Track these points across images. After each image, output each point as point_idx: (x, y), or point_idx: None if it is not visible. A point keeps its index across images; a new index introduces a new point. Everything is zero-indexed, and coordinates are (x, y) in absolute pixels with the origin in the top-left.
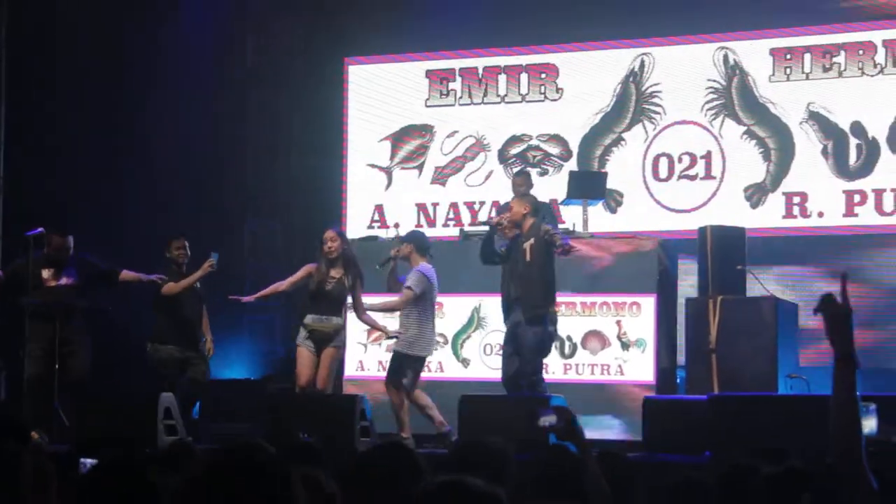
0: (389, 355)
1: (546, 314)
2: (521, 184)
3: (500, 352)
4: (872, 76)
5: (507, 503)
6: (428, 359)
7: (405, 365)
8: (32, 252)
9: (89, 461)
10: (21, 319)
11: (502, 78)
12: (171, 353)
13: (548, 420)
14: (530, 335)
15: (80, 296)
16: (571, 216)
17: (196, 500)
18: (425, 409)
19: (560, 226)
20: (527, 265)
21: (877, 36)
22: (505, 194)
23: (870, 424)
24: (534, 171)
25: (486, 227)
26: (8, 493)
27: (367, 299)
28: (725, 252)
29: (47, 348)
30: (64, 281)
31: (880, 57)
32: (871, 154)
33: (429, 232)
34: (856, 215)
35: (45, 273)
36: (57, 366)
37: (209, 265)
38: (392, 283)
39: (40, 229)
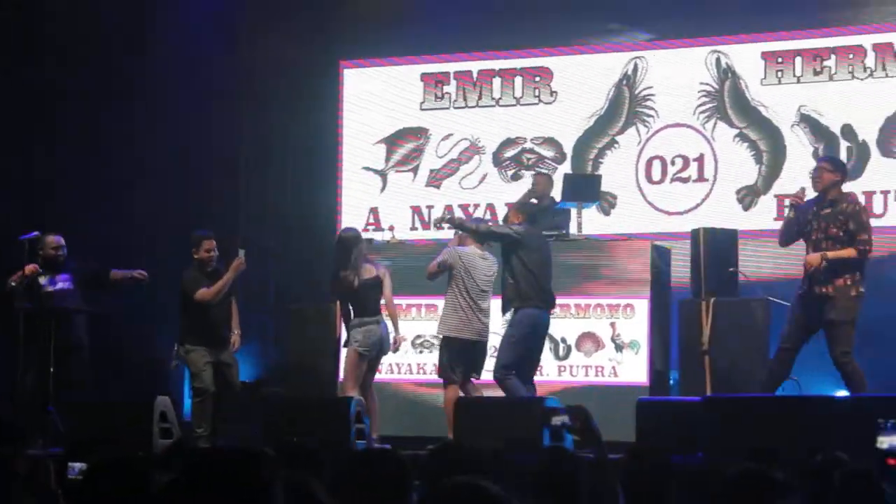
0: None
1: (524, 312)
2: (540, 182)
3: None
4: (862, 80)
5: None
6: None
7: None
8: (26, 256)
9: (78, 465)
10: (17, 324)
11: (497, 81)
12: (203, 356)
13: (561, 420)
14: (506, 331)
15: (79, 300)
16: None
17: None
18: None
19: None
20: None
21: (866, 40)
22: (499, 196)
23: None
24: (527, 174)
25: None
26: (2, 496)
27: None
28: (718, 254)
29: (43, 353)
30: (60, 286)
31: (870, 61)
32: (861, 156)
33: (423, 235)
34: None
35: (42, 279)
36: (52, 370)
37: (239, 263)
38: None
39: (36, 233)
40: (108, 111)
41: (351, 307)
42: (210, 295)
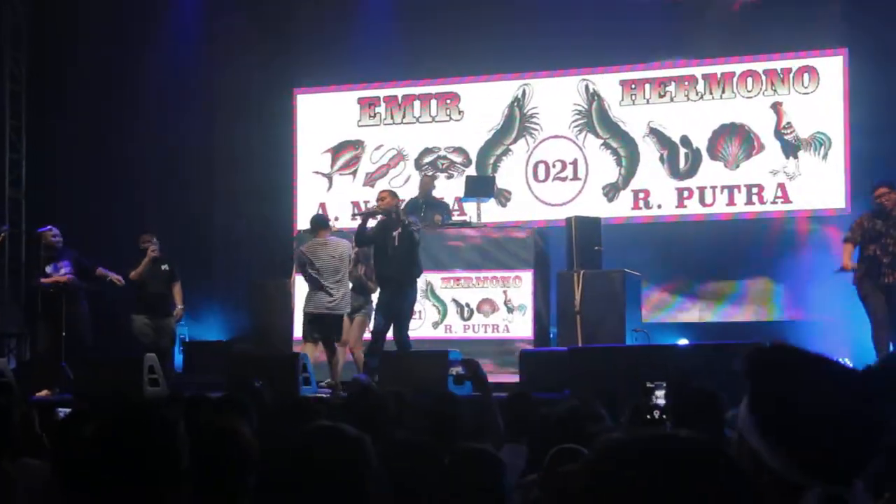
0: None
1: (413, 287)
2: (427, 183)
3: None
4: (695, 101)
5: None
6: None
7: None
8: (44, 246)
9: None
10: (35, 300)
11: (417, 103)
12: (143, 321)
13: (456, 369)
14: (406, 304)
15: (77, 281)
16: (470, 210)
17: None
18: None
19: (460, 217)
20: (395, 248)
21: (698, 71)
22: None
23: None
24: (442, 175)
25: (362, 216)
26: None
27: None
28: (586, 236)
29: (57, 322)
30: (63, 271)
31: (700, 87)
32: (695, 160)
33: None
34: (685, 207)
35: (49, 269)
36: (64, 334)
37: (151, 252)
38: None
39: (50, 227)
40: (107, 123)
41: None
42: (134, 275)
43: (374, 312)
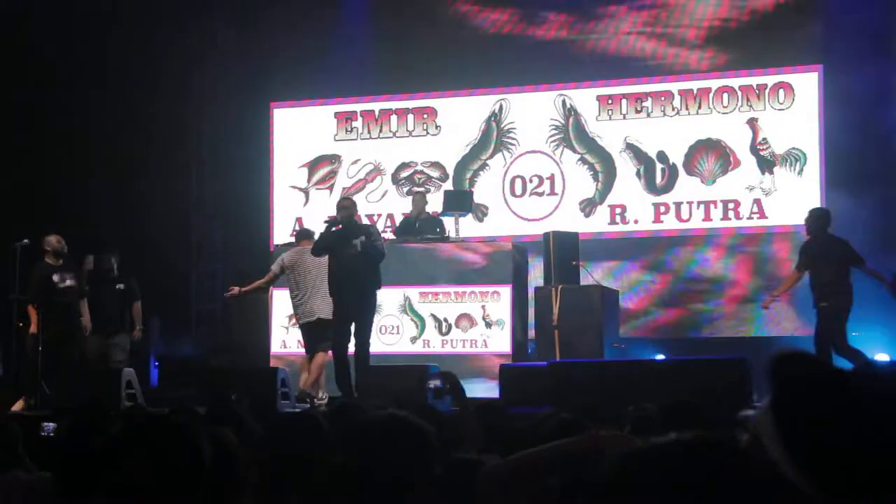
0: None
1: (374, 297)
2: (418, 200)
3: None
4: (672, 117)
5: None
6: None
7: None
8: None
9: (50, 425)
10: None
11: (394, 118)
12: (96, 341)
13: (434, 382)
14: (368, 312)
15: (81, 294)
16: (447, 225)
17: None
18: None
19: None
20: (357, 257)
21: (674, 87)
22: (397, 208)
23: None
24: (417, 190)
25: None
26: None
27: None
28: (564, 251)
29: (49, 337)
30: (68, 283)
31: (677, 102)
32: (672, 175)
33: None
34: (662, 222)
35: (55, 277)
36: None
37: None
38: None
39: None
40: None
41: None
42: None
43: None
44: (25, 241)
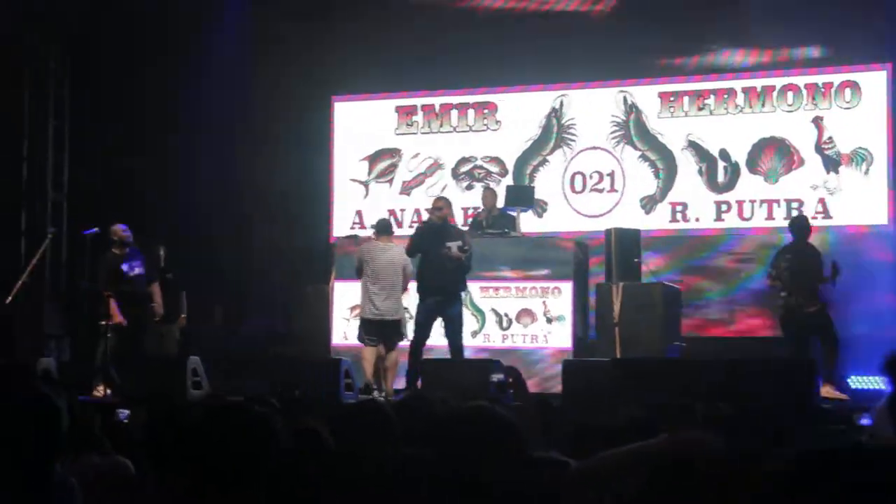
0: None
1: (461, 300)
2: (488, 196)
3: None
4: (734, 115)
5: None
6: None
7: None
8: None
9: (125, 412)
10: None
11: (454, 112)
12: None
13: (497, 376)
14: (458, 312)
15: (149, 283)
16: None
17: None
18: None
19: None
20: (451, 260)
21: (737, 84)
22: (456, 202)
23: None
24: (478, 185)
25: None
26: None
27: None
28: (625, 248)
29: (122, 328)
30: (136, 272)
31: (740, 100)
32: (734, 174)
33: (397, 232)
34: (723, 220)
35: (124, 266)
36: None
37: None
38: None
39: (96, 229)
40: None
41: None
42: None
43: (413, 322)
44: (96, 229)
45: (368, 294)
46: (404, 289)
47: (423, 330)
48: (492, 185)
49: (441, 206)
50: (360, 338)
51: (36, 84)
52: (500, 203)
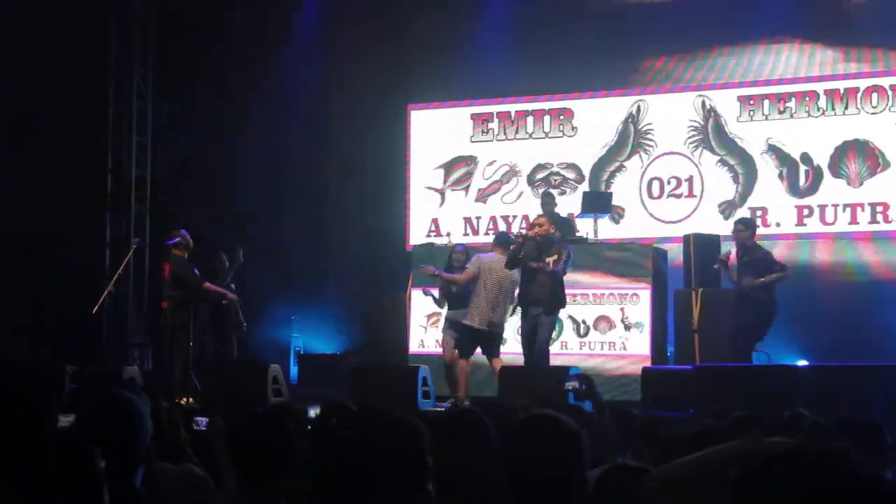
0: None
1: (557, 314)
2: (548, 202)
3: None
4: (816, 118)
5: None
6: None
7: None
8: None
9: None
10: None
11: (530, 119)
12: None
13: (571, 384)
14: (548, 324)
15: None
16: (585, 226)
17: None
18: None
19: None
20: (548, 274)
21: (819, 87)
22: (533, 210)
23: None
24: (555, 192)
25: (519, 238)
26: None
27: None
28: (704, 254)
29: (220, 331)
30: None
31: (822, 103)
32: (816, 178)
33: (473, 240)
34: (805, 225)
35: (199, 271)
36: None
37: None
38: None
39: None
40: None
41: None
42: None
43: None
44: (177, 239)
45: (487, 305)
46: (512, 302)
47: (528, 341)
48: (567, 191)
49: (541, 222)
50: (460, 346)
51: (119, 99)
52: (577, 209)
